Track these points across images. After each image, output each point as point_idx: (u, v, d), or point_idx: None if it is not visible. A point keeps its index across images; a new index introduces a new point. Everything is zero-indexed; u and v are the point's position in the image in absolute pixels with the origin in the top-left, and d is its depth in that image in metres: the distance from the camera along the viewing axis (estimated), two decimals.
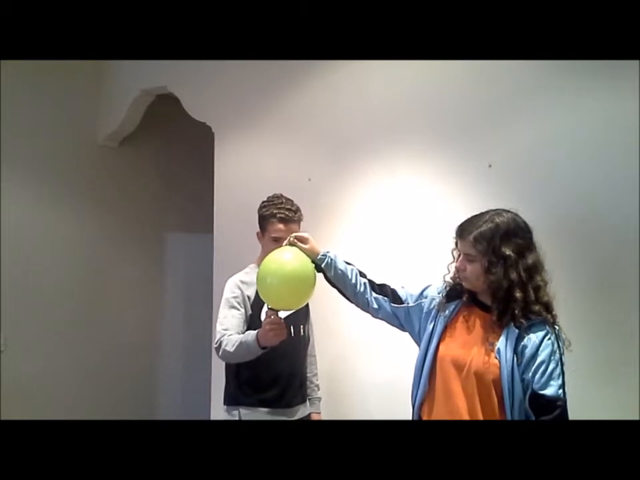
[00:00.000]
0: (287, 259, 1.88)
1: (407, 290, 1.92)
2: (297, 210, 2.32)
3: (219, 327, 2.26)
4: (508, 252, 1.62)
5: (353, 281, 1.90)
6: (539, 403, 1.57)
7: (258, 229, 2.36)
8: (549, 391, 1.56)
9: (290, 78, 3.07)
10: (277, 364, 2.29)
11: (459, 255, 1.74)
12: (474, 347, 1.67)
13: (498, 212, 1.69)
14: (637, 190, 2.16)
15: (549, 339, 1.61)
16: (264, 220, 2.33)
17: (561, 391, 1.57)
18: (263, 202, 2.35)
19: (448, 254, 1.77)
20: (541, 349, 1.59)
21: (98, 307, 3.97)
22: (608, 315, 2.22)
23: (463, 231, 1.70)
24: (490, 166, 2.48)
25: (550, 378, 1.57)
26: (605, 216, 2.25)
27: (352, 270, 1.91)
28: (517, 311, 1.61)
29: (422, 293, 1.89)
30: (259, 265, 2.35)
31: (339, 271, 1.89)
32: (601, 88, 2.27)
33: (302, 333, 2.39)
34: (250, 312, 2.29)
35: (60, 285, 3.77)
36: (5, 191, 3.48)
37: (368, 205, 2.82)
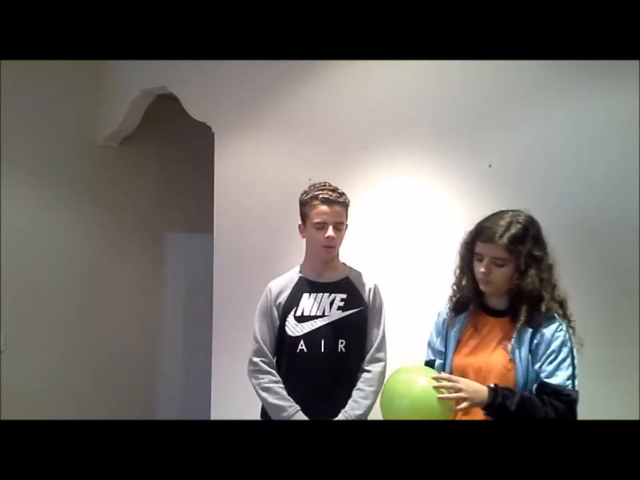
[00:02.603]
0: (416, 378, 1.64)
1: (431, 344, 1.84)
2: (342, 193, 2.08)
3: (254, 345, 2.11)
4: (540, 253, 1.61)
5: None
6: (545, 392, 1.54)
7: (300, 222, 2.13)
8: (555, 380, 1.54)
9: (290, 78, 3.07)
10: (294, 387, 2.06)
11: (471, 258, 1.69)
12: (488, 353, 1.65)
13: (516, 212, 1.66)
14: (637, 189, 2.16)
15: (560, 329, 1.60)
16: (305, 206, 2.06)
17: (569, 382, 1.54)
18: (304, 190, 2.12)
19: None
20: (552, 339, 1.58)
21: (98, 307, 3.96)
22: (608, 314, 2.21)
23: (492, 234, 1.62)
24: (490, 166, 2.48)
25: (557, 367, 1.55)
26: (604, 215, 2.24)
27: None
28: (543, 310, 1.60)
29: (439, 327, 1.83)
30: (302, 270, 2.15)
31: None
32: (601, 88, 2.26)
33: (341, 350, 2.04)
34: (277, 322, 2.10)
35: (60, 284, 3.77)
36: (5, 191, 3.48)
37: (368, 205, 2.82)
